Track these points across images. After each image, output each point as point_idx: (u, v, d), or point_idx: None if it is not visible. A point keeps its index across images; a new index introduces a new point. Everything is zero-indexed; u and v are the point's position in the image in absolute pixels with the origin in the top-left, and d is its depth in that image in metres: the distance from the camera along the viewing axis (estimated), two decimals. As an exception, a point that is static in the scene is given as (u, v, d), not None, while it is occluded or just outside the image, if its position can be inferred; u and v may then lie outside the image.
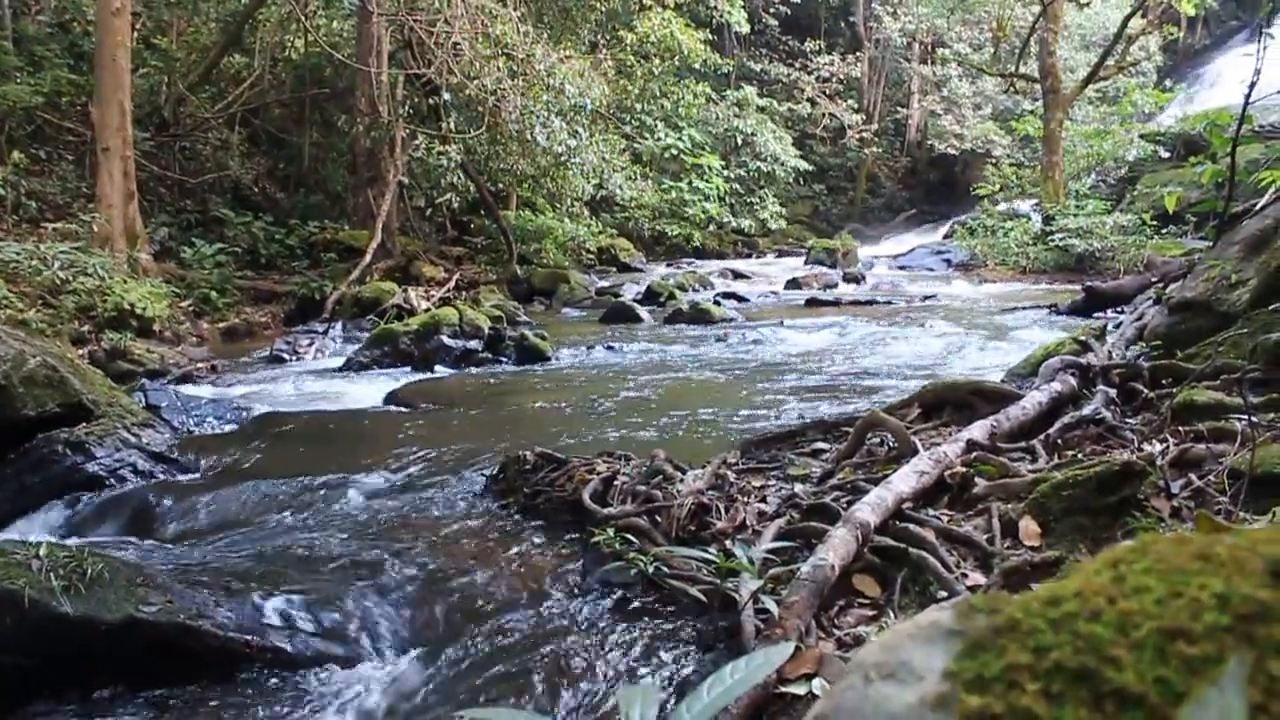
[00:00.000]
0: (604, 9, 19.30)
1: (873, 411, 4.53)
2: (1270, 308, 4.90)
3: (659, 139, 25.56)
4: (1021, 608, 0.57)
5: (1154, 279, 10.15)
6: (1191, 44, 33.88)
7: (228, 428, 6.84)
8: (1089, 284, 12.65)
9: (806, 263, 22.84)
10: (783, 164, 28.78)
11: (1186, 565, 0.55)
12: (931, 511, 3.52)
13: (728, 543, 3.30)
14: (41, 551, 3.04)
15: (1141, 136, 22.22)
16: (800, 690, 2.35)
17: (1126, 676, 0.50)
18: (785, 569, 3.00)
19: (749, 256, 26.97)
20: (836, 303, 15.42)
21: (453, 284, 15.27)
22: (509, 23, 14.86)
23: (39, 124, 14.19)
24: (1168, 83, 27.70)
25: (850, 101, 33.59)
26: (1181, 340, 5.45)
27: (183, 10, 17.37)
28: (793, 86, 33.22)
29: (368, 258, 14.50)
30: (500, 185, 18.88)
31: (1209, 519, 0.76)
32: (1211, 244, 6.67)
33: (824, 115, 33.32)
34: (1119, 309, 10.79)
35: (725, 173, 27.29)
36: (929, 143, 33.65)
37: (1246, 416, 3.40)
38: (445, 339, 9.88)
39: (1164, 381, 4.74)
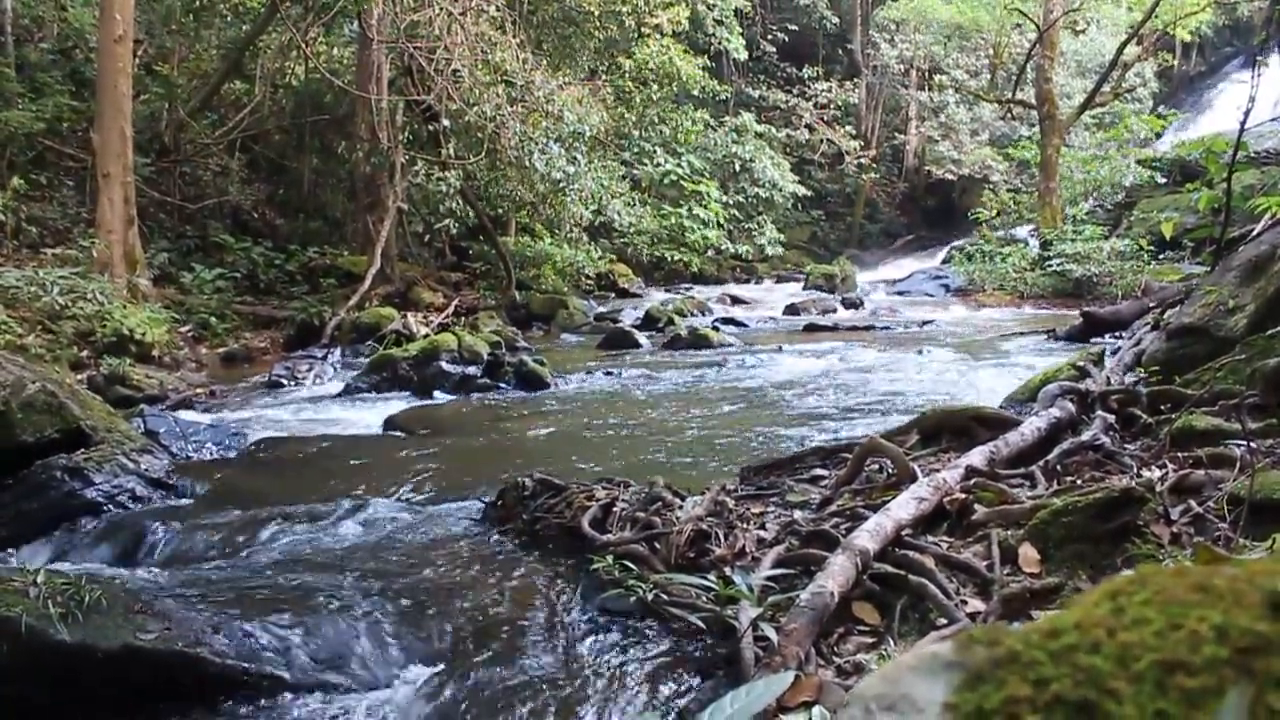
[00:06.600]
0: (603, 36, 19.41)
1: (871, 438, 4.52)
2: (1268, 333, 4.91)
3: (657, 165, 25.64)
4: (1021, 640, 0.57)
5: (1151, 304, 10.16)
6: (1186, 71, 34.10)
7: (226, 453, 6.83)
8: (1087, 309, 12.64)
9: (805, 288, 22.80)
10: (781, 190, 28.82)
11: (1185, 597, 0.56)
12: (931, 538, 3.51)
13: (727, 570, 3.29)
14: (39, 578, 3.03)
15: (1138, 162, 22.32)
16: (800, 719, 2.34)
17: (1126, 709, 0.50)
18: (784, 596, 2.99)
19: (747, 282, 26.94)
20: (835, 328, 15.43)
21: (451, 309, 15.28)
22: (508, 50, 14.95)
23: (40, 150, 14.24)
24: (1163, 109, 27.89)
25: (848, 128, 33.70)
26: (1180, 366, 5.45)
27: (184, 37, 17.47)
28: (791, 113, 33.34)
29: (367, 283, 14.51)
30: (499, 211, 18.92)
31: (1208, 549, 0.76)
32: (1209, 269, 6.69)
33: (822, 141, 33.43)
34: (1117, 334, 10.78)
35: (724, 199, 27.34)
36: (926, 168, 33.73)
37: (1245, 442, 3.40)
38: (444, 365, 9.87)
39: (1162, 407, 4.74)
